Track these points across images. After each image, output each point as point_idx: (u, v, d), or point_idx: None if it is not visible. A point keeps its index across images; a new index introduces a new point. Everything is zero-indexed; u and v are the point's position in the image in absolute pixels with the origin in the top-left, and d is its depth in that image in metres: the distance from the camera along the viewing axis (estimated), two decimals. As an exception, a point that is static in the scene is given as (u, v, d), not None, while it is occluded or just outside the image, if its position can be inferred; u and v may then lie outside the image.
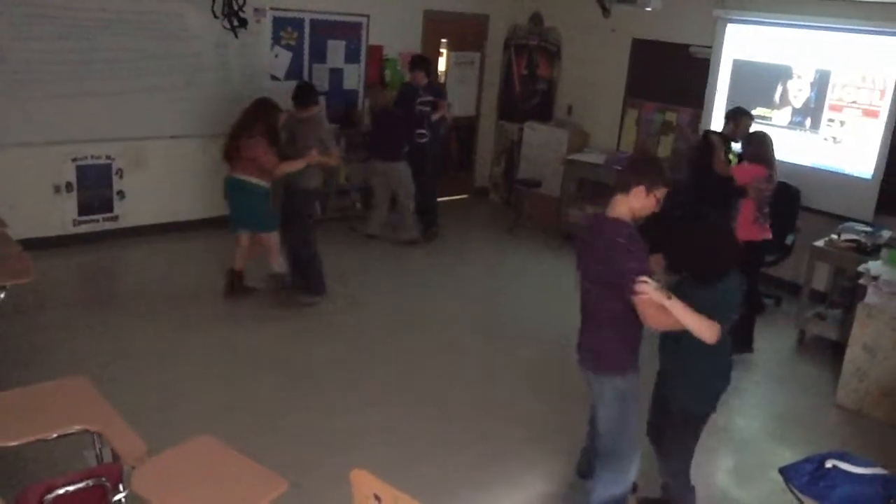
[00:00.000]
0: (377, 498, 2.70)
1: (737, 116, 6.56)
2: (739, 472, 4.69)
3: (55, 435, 3.18)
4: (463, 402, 5.12)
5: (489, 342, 6.10)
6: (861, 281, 5.53)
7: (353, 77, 8.71)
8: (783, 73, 7.43)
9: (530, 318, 6.53)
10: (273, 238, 6.28)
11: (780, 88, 7.47)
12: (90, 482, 2.83)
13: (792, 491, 3.09)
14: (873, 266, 5.56)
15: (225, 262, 6.47)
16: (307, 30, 8.21)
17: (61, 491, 2.76)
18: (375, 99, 8.29)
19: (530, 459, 4.54)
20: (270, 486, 2.89)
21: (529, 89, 9.71)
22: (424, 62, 8.08)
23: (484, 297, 7.12)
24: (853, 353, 5.43)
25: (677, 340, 3.49)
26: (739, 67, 7.76)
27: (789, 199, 7.20)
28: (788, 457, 4.21)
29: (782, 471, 3.18)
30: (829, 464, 3.07)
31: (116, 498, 2.94)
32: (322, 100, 7.15)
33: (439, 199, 8.60)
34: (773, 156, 6.01)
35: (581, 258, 3.63)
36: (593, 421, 3.93)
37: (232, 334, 5.78)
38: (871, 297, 5.36)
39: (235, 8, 7.45)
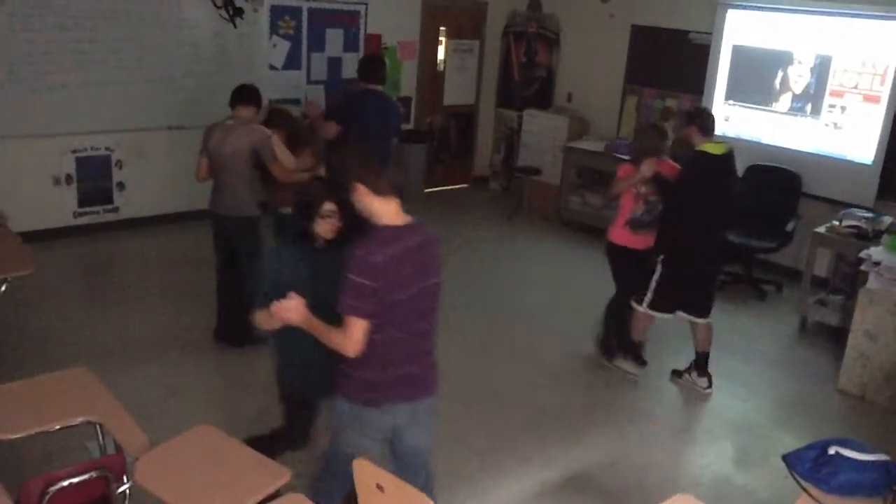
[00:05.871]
0: (380, 487, 2.70)
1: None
2: (742, 458, 4.69)
3: (57, 427, 3.17)
4: (462, 383, 5.10)
5: (488, 326, 6.12)
6: (862, 267, 5.52)
7: (352, 66, 8.66)
8: (783, 59, 7.39)
9: (529, 303, 6.52)
10: None
11: (780, 74, 7.44)
12: (93, 474, 2.83)
13: (794, 477, 3.09)
14: (875, 252, 5.55)
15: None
16: (305, 19, 8.17)
17: (64, 483, 2.75)
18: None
19: (529, 443, 4.55)
20: (273, 475, 2.89)
21: (528, 76, 9.67)
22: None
23: (484, 283, 7.09)
24: (855, 339, 5.42)
25: None
26: (739, 53, 7.72)
27: (790, 185, 7.21)
28: (791, 443, 4.21)
29: (785, 458, 3.17)
30: (831, 450, 3.06)
31: (120, 490, 2.94)
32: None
33: (440, 189, 8.27)
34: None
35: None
36: None
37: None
38: (872, 282, 5.35)
39: (233, -3, 7.45)
